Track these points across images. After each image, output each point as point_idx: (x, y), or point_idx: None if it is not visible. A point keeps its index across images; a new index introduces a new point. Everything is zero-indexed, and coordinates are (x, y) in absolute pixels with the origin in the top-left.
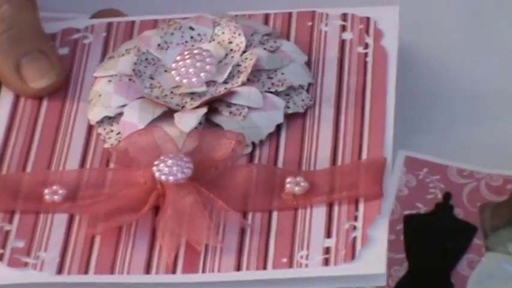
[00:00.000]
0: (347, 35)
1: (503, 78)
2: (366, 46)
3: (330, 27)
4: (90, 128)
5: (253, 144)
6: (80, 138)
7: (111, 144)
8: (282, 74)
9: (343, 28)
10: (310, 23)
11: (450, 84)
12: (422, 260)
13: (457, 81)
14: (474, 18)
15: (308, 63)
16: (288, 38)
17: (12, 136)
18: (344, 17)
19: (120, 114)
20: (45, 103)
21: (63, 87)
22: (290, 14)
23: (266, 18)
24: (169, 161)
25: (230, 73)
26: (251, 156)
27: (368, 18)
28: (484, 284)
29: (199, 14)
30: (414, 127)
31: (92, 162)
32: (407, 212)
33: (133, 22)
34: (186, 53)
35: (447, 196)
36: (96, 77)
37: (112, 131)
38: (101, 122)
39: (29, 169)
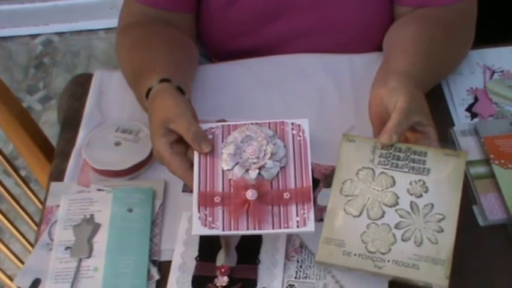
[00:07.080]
0: (294, 131)
1: None
2: (299, 136)
3: (288, 128)
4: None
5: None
6: (220, 174)
7: (230, 178)
8: (277, 153)
9: (292, 128)
10: (283, 126)
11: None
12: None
13: None
14: None
15: (285, 146)
16: (276, 132)
17: (201, 174)
18: (292, 124)
19: (232, 168)
20: (208, 157)
21: (212, 151)
22: (276, 122)
23: (269, 124)
24: (249, 191)
25: (264, 154)
26: (272, 182)
27: (299, 125)
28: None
29: (250, 124)
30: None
31: (224, 184)
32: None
33: (229, 125)
34: (249, 145)
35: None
36: (222, 152)
37: (229, 174)
38: (227, 170)
39: (208, 189)
